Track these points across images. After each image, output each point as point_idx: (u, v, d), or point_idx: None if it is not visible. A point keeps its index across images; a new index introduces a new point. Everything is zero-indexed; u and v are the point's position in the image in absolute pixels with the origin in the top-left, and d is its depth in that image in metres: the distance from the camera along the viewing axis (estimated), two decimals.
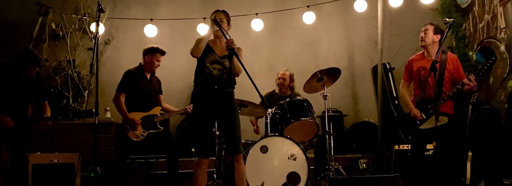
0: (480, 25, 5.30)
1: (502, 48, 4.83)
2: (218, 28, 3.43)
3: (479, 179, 4.24)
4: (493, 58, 3.94)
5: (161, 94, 4.75)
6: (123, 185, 4.46)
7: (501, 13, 4.82)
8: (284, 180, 4.13)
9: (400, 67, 4.76)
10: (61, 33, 6.15)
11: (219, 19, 3.50)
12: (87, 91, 6.05)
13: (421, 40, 4.11)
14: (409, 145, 4.62)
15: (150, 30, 6.12)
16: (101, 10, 3.60)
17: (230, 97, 3.49)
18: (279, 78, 5.20)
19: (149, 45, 4.61)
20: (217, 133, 4.06)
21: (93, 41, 5.97)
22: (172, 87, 6.13)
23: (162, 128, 4.50)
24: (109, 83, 5.73)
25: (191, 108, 4.52)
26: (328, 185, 4.41)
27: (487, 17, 5.15)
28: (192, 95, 6.24)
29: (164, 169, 4.96)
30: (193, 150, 5.52)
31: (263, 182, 4.08)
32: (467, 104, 4.70)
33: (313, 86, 4.70)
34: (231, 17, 3.73)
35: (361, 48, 6.58)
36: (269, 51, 6.65)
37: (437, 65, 3.65)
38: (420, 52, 4.27)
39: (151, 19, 6.14)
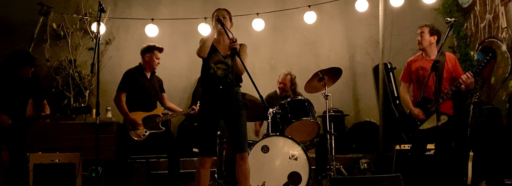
0: (482, 25, 5.29)
1: (504, 48, 4.82)
2: (221, 27, 3.44)
3: (480, 179, 4.24)
4: (490, 54, 3.97)
5: (164, 92, 4.74)
6: (124, 185, 4.46)
7: (502, 13, 4.81)
8: (285, 180, 4.13)
9: (401, 67, 4.76)
10: (62, 33, 6.16)
11: (222, 16, 3.52)
12: (88, 91, 6.06)
13: (419, 44, 4.13)
14: (410, 145, 4.62)
15: (151, 30, 6.13)
16: (102, 10, 3.60)
17: (236, 96, 3.51)
18: (280, 83, 5.18)
19: (146, 44, 4.60)
20: (218, 132, 4.06)
21: (94, 41, 5.98)
22: (173, 87, 6.13)
23: (164, 128, 4.50)
24: (110, 83, 5.74)
25: (196, 109, 4.52)
26: (329, 185, 4.40)
27: (488, 16, 5.14)
28: (193, 95, 6.24)
29: (165, 169, 4.96)
30: (194, 150, 5.56)
31: (264, 182, 4.08)
32: (469, 104, 4.70)
33: (314, 86, 4.70)
34: (232, 17, 3.75)
35: (362, 48, 6.58)
36: (270, 51, 6.64)
37: (438, 64, 3.61)
38: (419, 53, 4.27)
39: (152, 19, 6.15)
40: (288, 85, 5.14)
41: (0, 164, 4.05)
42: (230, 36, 3.36)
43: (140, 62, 4.59)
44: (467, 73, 3.81)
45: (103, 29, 6.07)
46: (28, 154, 4.37)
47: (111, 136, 5.16)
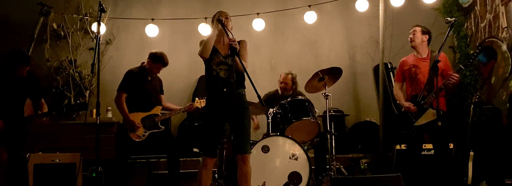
0: (482, 25, 5.29)
1: (504, 47, 4.82)
2: (221, 28, 3.45)
3: (480, 179, 4.24)
4: (477, 51, 4.21)
5: (162, 94, 4.75)
6: (124, 185, 4.46)
7: (503, 13, 4.81)
8: (286, 180, 4.13)
9: None
10: (62, 33, 6.16)
11: (225, 16, 3.53)
12: (88, 91, 6.06)
13: (411, 41, 4.32)
14: (406, 145, 4.65)
15: (152, 30, 6.13)
16: (102, 10, 3.60)
17: (241, 98, 3.51)
18: (281, 83, 5.18)
19: (158, 51, 4.52)
20: None
21: (95, 41, 5.98)
22: (174, 87, 6.14)
23: (163, 127, 4.51)
24: (110, 83, 5.74)
25: (194, 105, 4.52)
26: (329, 184, 4.40)
27: (489, 16, 5.14)
28: (193, 95, 6.25)
29: (165, 169, 4.96)
30: (194, 150, 5.56)
31: (264, 182, 4.08)
32: (469, 104, 4.70)
33: (315, 86, 4.70)
34: (232, 17, 3.75)
35: (362, 48, 6.58)
36: (270, 51, 6.64)
37: (427, 63, 4.07)
38: (410, 54, 4.46)
39: (153, 19, 6.15)
40: (289, 84, 5.14)
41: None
42: (230, 36, 3.37)
43: (142, 62, 4.59)
44: (454, 73, 3.98)
45: (103, 29, 6.08)
46: (28, 154, 4.37)
47: (112, 136, 5.16)
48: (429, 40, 4.33)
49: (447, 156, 4.27)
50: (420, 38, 4.29)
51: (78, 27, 6.23)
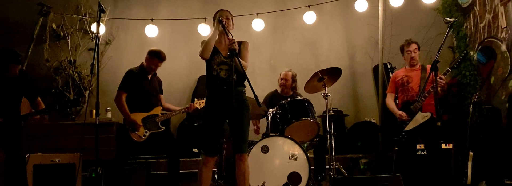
0: (481, 25, 5.29)
1: (503, 47, 4.82)
2: (222, 28, 3.45)
3: (480, 179, 4.24)
4: (465, 51, 4.41)
5: (162, 94, 4.75)
6: (124, 185, 4.46)
7: (502, 13, 4.82)
8: (285, 180, 4.13)
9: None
10: (62, 34, 6.15)
11: (225, 17, 3.55)
12: (88, 92, 6.05)
13: (413, 60, 4.46)
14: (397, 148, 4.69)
15: (151, 31, 6.13)
16: (102, 11, 3.60)
17: (240, 96, 3.52)
18: (281, 79, 5.19)
19: (155, 48, 4.57)
20: None
21: (94, 41, 5.98)
22: (173, 87, 6.14)
23: (164, 127, 4.51)
24: (110, 83, 5.74)
25: (193, 106, 4.52)
26: (329, 185, 4.40)
27: (488, 16, 5.14)
28: (193, 95, 6.25)
29: (165, 169, 4.96)
30: (194, 150, 5.56)
31: (264, 182, 4.08)
32: (468, 104, 4.71)
33: (314, 86, 4.70)
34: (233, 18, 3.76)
35: (362, 48, 6.58)
36: (270, 51, 6.64)
37: (418, 72, 4.33)
38: (402, 68, 4.72)
39: (152, 19, 6.15)
40: (289, 81, 5.14)
41: None
42: (230, 37, 3.37)
43: (142, 62, 4.60)
44: (440, 76, 4.06)
45: (102, 29, 6.08)
46: (28, 155, 4.36)
47: (111, 136, 5.15)
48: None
49: (440, 157, 4.32)
50: (417, 55, 4.48)
51: (77, 27, 6.23)
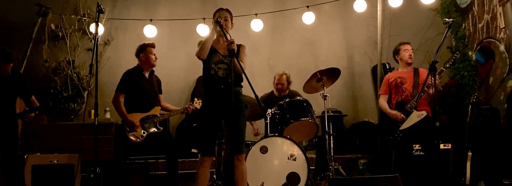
0: (480, 25, 5.30)
1: (502, 48, 4.83)
2: (219, 29, 3.45)
3: (478, 179, 4.25)
4: (458, 51, 4.56)
5: (161, 94, 4.74)
6: None
7: (500, 13, 4.82)
8: (284, 180, 4.13)
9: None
10: (60, 34, 6.15)
11: (224, 17, 3.55)
12: (86, 92, 6.05)
13: (410, 58, 4.55)
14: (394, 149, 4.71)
15: (150, 31, 6.12)
16: (100, 11, 3.60)
17: (237, 96, 3.51)
18: (277, 84, 5.21)
19: (137, 45, 4.58)
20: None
21: (93, 41, 5.97)
22: (172, 87, 6.13)
23: (162, 128, 4.50)
24: (108, 84, 5.73)
25: (192, 107, 4.52)
26: (328, 185, 4.40)
27: (486, 17, 5.15)
28: (192, 95, 6.24)
29: (164, 169, 4.95)
30: (193, 150, 5.55)
31: (263, 183, 4.08)
32: (467, 104, 4.71)
33: (313, 87, 4.70)
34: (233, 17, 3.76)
35: (360, 48, 6.58)
36: (269, 52, 6.65)
37: (411, 73, 4.40)
38: (394, 70, 4.83)
39: (151, 20, 6.14)
40: (285, 85, 5.19)
41: None
42: (229, 38, 3.37)
43: (138, 64, 4.59)
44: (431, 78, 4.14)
45: (101, 30, 6.07)
46: (27, 155, 4.36)
47: (110, 137, 5.14)
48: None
49: (439, 157, 4.33)
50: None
51: (76, 28, 6.23)
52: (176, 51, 6.32)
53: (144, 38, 6.16)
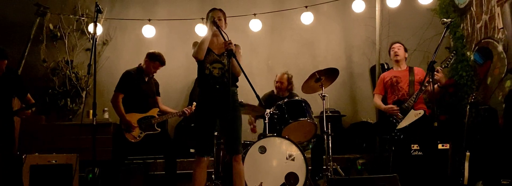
0: (478, 25, 5.31)
1: (500, 48, 4.83)
2: (216, 29, 3.45)
3: (477, 179, 4.25)
4: (454, 51, 4.66)
5: (159, 96, 4.74)
6: None
7: (498, 14, 4.83)
8: (283, 180, 4.13)
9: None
10: (59, 34, 6.14)
11: (217, 18, 3.54)
12: (85, 92, 6.04)
13: (396, 55, 4.61)
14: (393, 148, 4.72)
15: (148, 31, 6.12)
16: (99, 11, 3.60)
17: (233, 96, 3.51)
18: (277, 82, 5.22)
19: (156, 51, 4.57)
20: (215, 133, 4.06)
21: (91, 41, 5.97)
22: (171, 88, 6.13)
23: (160, 129, 4.50)
24: (107, 84, 5.72)
25: (190, 110, 4.53)
26: (326, 185, 4.41)
27: (485, 17, 5.15)
28: (190, 95, 6.24)
29: (162, 169, 4.95)
30: (191, 150, 5.55)
31: (261, 183, 4.08)
32: (465, 104, 4.72)
33: (311, 87, 4.70)
34: (229, 18, 3.77)
35: (359, 49, 6.59)
36: (267, 52, 6.65)
37: (406, 73, 4.43)
38: (390, 69, 4.83)
39: (149, 20, 6.14)
40: (285, 84, 5.18)
41: None
42: (226, 38, 3.37)
43: (140, 64, 4.59)
44: (437, 68, 4.13)
45: (100, 30, 6.06)
46: (25, 155, 4.35)
47: (108, 137, 5.15)
48: (405, 58, 4.69)
49: (437, 157, 4.34)
50: (403, 53, 4.62)
51: (74, 27, 6.22)
52: (174, 51, 6.32)
53: (143, 38, 6.17)
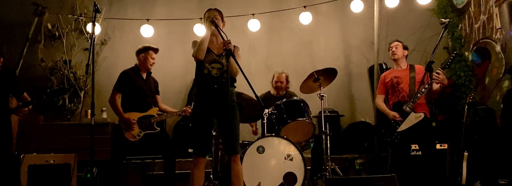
0: (476, 26, 5.32)
1: (498, 48, 4.85)
2: (215, 28, 3.45)
3: (474, 179, 4.26)
4: (455, 51, 4.57)
5: (158, 94, 4.74)
6: None
7: (496, 14, 4.84)
8: (281, 180, 4.13)
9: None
10: (57, 34, 6.13)
11: (214, 17, 3.53)
12: (83, 92, 6.04)
13: (394, 54, 4.57)
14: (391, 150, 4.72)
15: (147, 31, 6.12)
16: (97, 11, 3.59)
17: (231, 96, 3.51)
18: (276, 82, 5.23)
19: (141, 45, 4.60)
20: (214, 133, 4.06)
21: (89, 41, 5.96)
22: (169, 87, 6.12)
23: (159, 128, 4.50)
24: (105, 84, 5.72)
25: (189, 109, 4.52)
26: (324, 185, 4.41)
27: (483, 17, 5.16)
28: (188, 95, 6.24)
29: (161, 169, 4.95)
30: (190, 150, 5.55)
31: (259, 183, 4.08)
32: (463, 104, 4.73)
33: (310, 87, 4.71)
34: (227, 18, 3.76)
35: (357, 49, 6.59)
36: (266, 52, 6.65)
37: (407, 73, 4.41)
38: (390, 69, 4.80)
39: (148, 20, 6.14)
40: (284, 83, 5.22)
41: None
42: (225, 38, 3.37)
43: (136, 63, 4.59)
44: (438, 70, 4.07)
45: (98, 29, 6.06)
46: (23, 155, 4.34)
47: (106, 137, 5.14)
48: (406, 56, 4.65)
49: (435, 157, 4.34)
50: (401, 52, 4.56)
51: (72, 27, 6.21)
52: (173, 51, 6.32)
53: (141, 38, 6.16)
